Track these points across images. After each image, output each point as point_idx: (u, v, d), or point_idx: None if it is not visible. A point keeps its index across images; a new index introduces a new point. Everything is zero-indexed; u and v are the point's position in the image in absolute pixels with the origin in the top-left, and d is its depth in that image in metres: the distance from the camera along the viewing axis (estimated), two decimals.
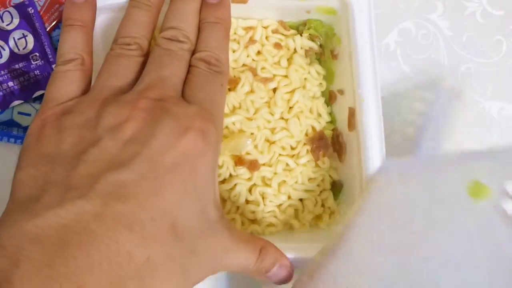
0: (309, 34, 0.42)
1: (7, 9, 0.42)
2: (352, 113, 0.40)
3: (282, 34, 0.43)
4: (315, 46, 0.43)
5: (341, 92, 0.42)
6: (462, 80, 0.44)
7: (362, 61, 0.38)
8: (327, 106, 0.44)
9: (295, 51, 0.43)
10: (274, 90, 0.43)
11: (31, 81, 0.43)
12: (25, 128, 0.43)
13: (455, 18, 0.43)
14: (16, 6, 0.42)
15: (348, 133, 0.40)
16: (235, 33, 0.42)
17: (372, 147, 0.38)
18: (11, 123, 0.43)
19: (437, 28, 0.43)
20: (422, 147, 0.44)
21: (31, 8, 0.42)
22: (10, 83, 0.42)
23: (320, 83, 0.43)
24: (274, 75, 0.42)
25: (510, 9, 0.42)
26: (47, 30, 0.43)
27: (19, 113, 0.43)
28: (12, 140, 0.42)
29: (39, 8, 0.43)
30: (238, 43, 0.42)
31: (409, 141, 0.44)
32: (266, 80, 0.42)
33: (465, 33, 0.43)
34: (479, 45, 0.43)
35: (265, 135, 0.42)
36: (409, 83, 0.44)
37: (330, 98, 0.44)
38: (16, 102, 0.43)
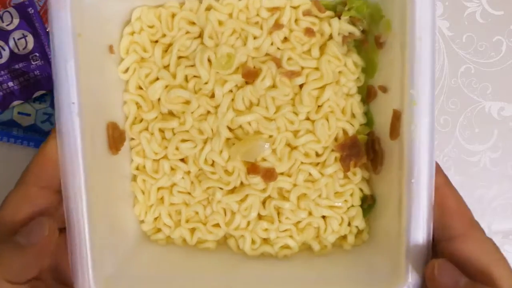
0: (350, 16, 0.34)
1: (7, 9, 0.41)
2: (397, 117, 0.32)
3: (316, 17, 0.35)
4: (356, 31, 0.34)
5: (383, 89, 0.34)
6: (462, 80, 0.44)
7: (420, 55, 0.30)
8: (363, 104, 0.36)
9: (330, 37, 0.35)
10: (301, 85, 0.35)
11: (31, 81, 0.42)
12: (25, 128, 0.43)
13: (455, 18, 0.43)
14: (16, 7, 0.42)
15: (388, 140, 0.33)
16: (257, 15, 0.34)
17: (420, 162, 0.30)
18: (11, 123, 0.43)
19: (437, 29, 0.44)
20: None
21: (31, 8, 0.42)
22: (10, 83, 0.42)
23: (358, 78, 0.35)
24: (303, 68, 0.35)
25: (510, 9, 0.42)
26: (47, 30, 0.42)
27: (19, 113, 0.43)
28: (12, 140, 0.42)
29: (39, 9, 0.42)
30: (261, 27, 0.34)
31: None
32: (292, 74, 0.34)
33: (465, 33, 0.43)
34: (479, 45, 0.43)
35: (286, 139, 0.35)
36: None
37: (368, 95, 0.36)
38: (16, 102, 0.42)
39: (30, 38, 0.42)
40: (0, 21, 0.41)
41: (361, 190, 0.36)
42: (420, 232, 0.31)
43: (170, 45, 0.36)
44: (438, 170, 0.31)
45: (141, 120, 0.36)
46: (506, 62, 0.43)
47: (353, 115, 0.36)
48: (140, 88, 0.36)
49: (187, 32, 0.35)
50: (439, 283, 0.29)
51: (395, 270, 0.32)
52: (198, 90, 0.35)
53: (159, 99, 0.36)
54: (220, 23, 0.34)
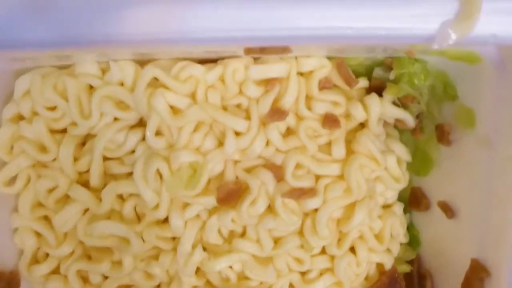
0: (398, 92, 0.20)
1: None
2: (476, 271, 0.20)
3: (340, 90, 0.20)
4: (409, 119, 0.21)
5: (447, 209, 0.21)
6: None
7: None
8: (404, 212, 0.24)
9: (362, 124, 0.21)
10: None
11: None
12: None
13: None
14: None
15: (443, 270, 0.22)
16: (240, 93, 0.19)
17: None
18: None
19: None
20: None
21: None
22: None
23: (400, 179, 0.22)
24: (318, 177, 0.21)
25: None
26: None
27: None
28: None
29: None
30: (249, 116, 0.20)
31: None
32: (301, 194, 0.20)
33: None
34: None
35: (289, 282, 0.23)
36: None
37: (413, 201, 0.23)
38: None
39: None
40: None
41: None
42: None
43: (88, 138, 0.20)
44: None
45: (47, 256, 0.23)
46: None
47: (391, 239, 0.23)
48: (40, 205, 0.22)
49: (116, 119, 0.20)
50: None
51: None
52: (141, 216, 0.21)
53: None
54: (176, 111, 0.19)
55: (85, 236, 0.21)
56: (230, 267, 0.22)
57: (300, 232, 0.22)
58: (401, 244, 0.24)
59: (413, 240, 0.24)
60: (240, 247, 0.21)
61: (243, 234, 0.22)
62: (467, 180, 0.20)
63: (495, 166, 0.19)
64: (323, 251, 0.23)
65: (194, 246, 0.21)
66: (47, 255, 0.22)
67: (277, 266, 0.22)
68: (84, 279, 0.23)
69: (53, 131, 0.21)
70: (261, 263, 0.22)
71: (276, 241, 0.22)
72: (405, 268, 0.24)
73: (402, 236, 0.24)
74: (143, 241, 0.21)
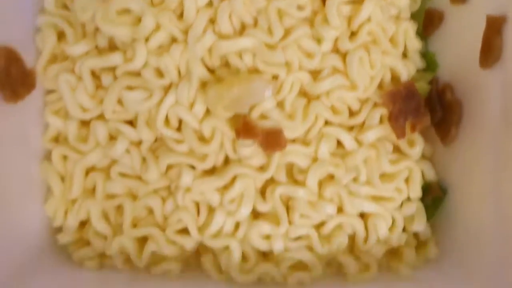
0: None
1: None
2: (494, 27, 0.20)
3: None
4: None
5: None
6: None
7: None
8: (421, 39, 0.25)
9: None
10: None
11: None
12: None
13: None
14: None
15: (472, 85, 0.22)
16: None
17: None
18: None
19: None
20: None
21: None
22: None
23: None
24: None
25: None
26: None
27: None
28: None
29: None
30: None
31: None
32: None
33: None
34: None
35: (300, 82, 0.23)
36: None
37: (428, 23, 0.25)
38: None
39: None
40: None
41: (422, 174, 0.25)
42: None
43: None
44: None
45: (65, 58, 0.24)
46: None
47: (405, 52, 0.24)
48: (65, 6, 0.24)
49: None
50: None
51: None
52: (158, 3, 0.23)
53: (97, 29, 0.24)
54: None
55: (101, 21, 0.22)
56: (240, 55, 0.22)
57: (311, 23, 0.23)
58: (417, 70, 0.24)
59: (430, 63, 0.24)
60: (250, 33, 0.22)
61: (255, 24, 0.22)
62: None
63: None
64: (335, 49, 0.23)
65: (205, 29, 0.22)
66: (65, 57, 0.24)
67: (288, 56, 0.22)
68: (96, 81, 0.23)
69: None
70: (272, 51, 0.22)
71: (287, 31, 0.22)
72: (423, 86, 0.23)
73: (417, 55, 0.24)
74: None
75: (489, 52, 0.20)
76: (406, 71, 0.24)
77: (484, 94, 0.21)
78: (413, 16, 0.25)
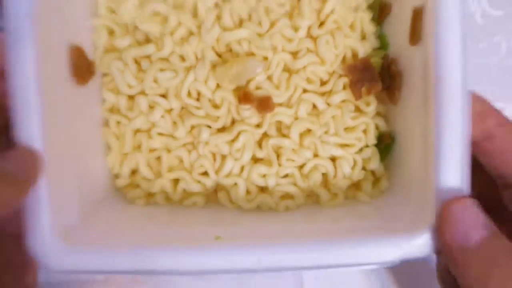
0: None
1: None
2: (417, 16, 0.26)
3: None
4: None
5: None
6: None
7: None
8: (376, 25, 0.31)
9: None
10: None
11: None
12: None
13: None
14: None
15: (407, 59, 0.28)
16: None
17: (451, 73, 0.24)
18: None
19: None
20: None
21: None
22: None
23: None
24: None
25: (510, 9, 0.41)
26: None
27: None
28: None
29: None
30: None
31: None
32: None
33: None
34: (478, 45, 0.41)
35: (283, 61, 0.30)
36: None
37: (381, 12, 0.30)
38: None
39: None
40: None
41: (377, 126, 0.31)
42: (452, 174, 0.24)
43: None
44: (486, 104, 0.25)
45: (114, 50, 0.31)
46: (506, 62, 0.41)
47: (363, 35, 0.30)
48: (112, 11, 0.31)
49: None
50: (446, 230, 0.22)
51: (419, 220, 0.25)
52: (178, 6, 0.30)
53: (135, 27, 0.31)
54: None
55: (139, 21, 0.30)
56: (239, 43, 0.29)
57: (290, 16, 0.29)
58: (374, 49, 0.30)
59: (383, 43, 0.31)
60: (245, 26, 0.29)
61: (249, 19, 0.29)
62: None
63: None
64: (309, 35, 0.30)
65: (213, 24, 0.29)
66: (114, 49, 0.31)
67: (274, 41, 0.29)
68: (138, 67, 0.31)
69: None
70: (262, 38, 0.29)
71: (272, 23, 0.29)
72: (377, 61, 0.30)
73: (372, 36, 0.30)
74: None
75: (414, 34, 0.26)
76: (363, 49, 0.30)
77: (413, 65, 0.27)
78: (370, 7, 0.31)
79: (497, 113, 0.26)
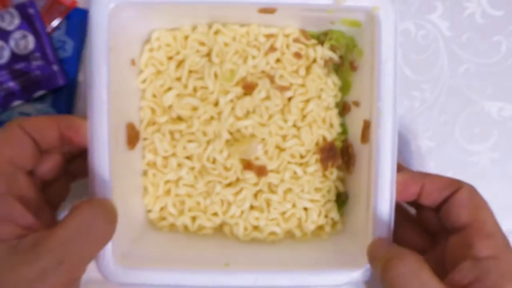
0: (330, 45, 0.42)
1: (8, 10, 0.41)
2: (367, 126, 0.38)
3: (303, 44, 0.42)
4: (335, 56, 0.42)
5: (356, 104, 0.41)
6: (461, 80, 0.43)
7: (385, 75, 0.36)
8: (340, 117, 0.44)
9: (314, 60, 0.43)
10: (290, 98, 0.42)
11: (32, 81, 0.42)
12: None
13: (455, 18, 0.43)
14: (17, 7, 0.42)
15: (359, 145, 0.39)
16: (255, 40, 0.42)
17: (385, 161, 0.37)
18: None
19: (436, 29, 0.43)
20: (422, 147, 0.44)
21: (32, 9, 0.42)
22: (11, 83, 0.42)
23: (335, 95, 0.43)
24: (291, 84, 0.42)
25: (510, 9, 0.42)
26: (48, 31, 0.43)
27: (20, 113, 0.43)
28: None
29: (39, 9, 0.43)
30: (259, 50, 0.42)
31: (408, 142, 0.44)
32: (283, 88, 0.41)
33: (465, 33, 0.43)
34: (478, 45, 0.42)
35: (276, 142, 0.42)
36: (409, 83, 0.44)
37: (343, 109, 0.43)
38: (17, 103, 0.42)
39: (31, 38, 0.42)
40: (1, 21, 0.41)
41: (336, 187, 0.42)
42: (384, 223, 0.37)
43: (182, 61, 0.42)
44: (402, 168, 0.38)
45: (154, 123, 0.43)
46: (506, 62, 0.42)
47: (331, 125, 0.43)
48: (154, 96, 0.43)
49: (197, 51, 0.42)
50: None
51: (362, 253, 0.38)
52: (204, 99, 0.42)
53: (170, 106, 0.42)
54: (226, 44, 0.42)
55: (176, 108, 0.41)
56: (246, 127, 0.41)
57: (282, 112, 0.42)
58: (338, 134, 0.43)
59: (344, 130, 0.43)
60: (251, 117, 0.40)
61: (253, 112, 0.42)
62: (362, 86, 0.41)
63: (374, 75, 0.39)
64: (294, 125, 0.42)
65: (229, 115, 0.40)
66: (154, 122, 0.42)
67: (270, 129, 0.40)
68: (171, 136, 0.42)
69: (167, 57, 0.42)
70: (262, 126, 0.42)
71: (270, 116, 0.41)
72: (339, 144, 0.42)
73: (337, 126, 0.42)
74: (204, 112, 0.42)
75: (364, 137, 0.38)
76: (330, 136, 0.41)
77: (362, 152, 0.39)
78: (337, 105, 0.43)
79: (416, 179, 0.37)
